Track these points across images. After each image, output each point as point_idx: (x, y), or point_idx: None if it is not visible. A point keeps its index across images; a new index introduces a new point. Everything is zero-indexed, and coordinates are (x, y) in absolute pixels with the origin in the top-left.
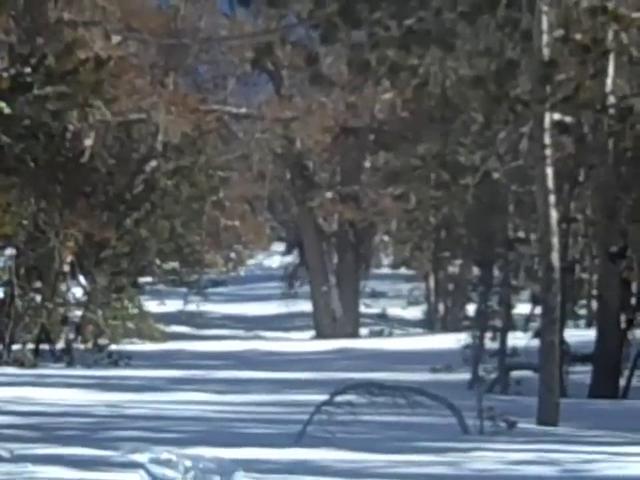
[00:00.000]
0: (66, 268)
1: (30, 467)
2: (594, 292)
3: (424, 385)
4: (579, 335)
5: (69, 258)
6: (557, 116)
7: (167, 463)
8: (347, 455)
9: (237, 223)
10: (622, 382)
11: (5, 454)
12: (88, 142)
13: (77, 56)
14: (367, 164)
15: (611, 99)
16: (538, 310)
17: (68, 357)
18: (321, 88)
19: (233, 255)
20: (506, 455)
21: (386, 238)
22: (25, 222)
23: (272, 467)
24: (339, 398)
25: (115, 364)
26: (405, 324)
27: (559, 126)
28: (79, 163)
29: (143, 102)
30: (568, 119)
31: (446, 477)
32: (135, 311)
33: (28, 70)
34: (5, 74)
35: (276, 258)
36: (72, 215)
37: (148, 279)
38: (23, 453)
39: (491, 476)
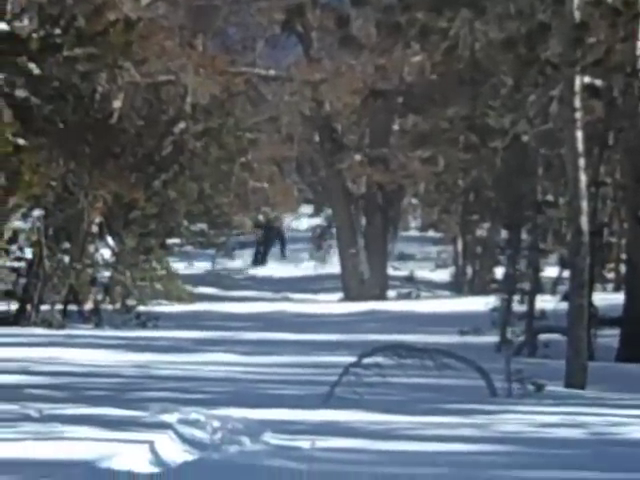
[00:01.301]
0: (94, 229)
1: (59, 427)
2: (623, 256)
3: (452, 347)
4: (607, 299)
5: (98, 219)
6: (587, 79)
7: (195, 424)
8: (375, 417)
9: (265, 185)
10: None
11: (34, 414)
12: (117, 104)
13: (107, 18)
14: (396, 127)
15: None
16: (566, 273)
17: (96, 318)
18: (350, 50)
19: (261, 217)
20: (534, 418)
21: (414, 201)
22: (54, 183)
23: (300, 428)
24: (367, 360)
25: (143, 325)
26: (433, 287)
27: (589, 89)
28: (108, 124)
29: (172, 64)
30: (598, 82)
31: (474, 439)
32: (163, 272)
33: (58, 31)
34: (35, 35)
35: (304, 220)
36: (101, 176)
37: (176, 240)
38: (52, 413)
39: (519, 438)
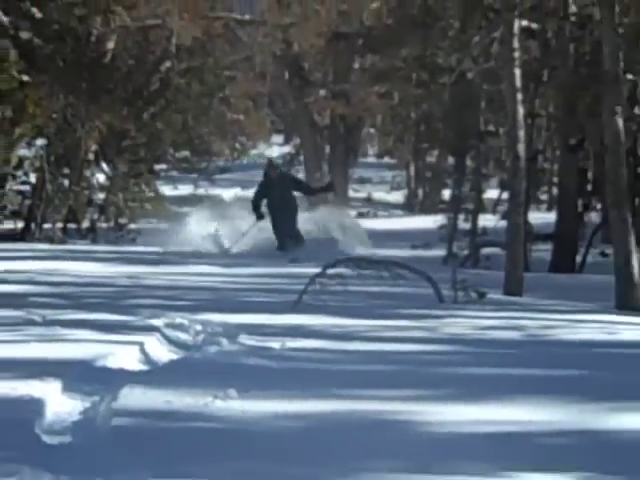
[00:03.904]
0: (91, 156)
1: (60, 330)
2: (555, 179)
3: (405, 260)
4: (541, 217)
5: (93, 147)
6: (525, 22)
7: (180, 327)
8: (337, 321)
9: (241, 117)
10: (578, 259)
11: (38, 319)
12: (110, 45)
13: None
14: (356, 65)
15: (573, 8)
16: (505, 195)
17: (92, 235)
18: None
19: (238, 145)
20: (477, 321)
21: (372, 131)
22: (55, 115)
23: (272, 331)
24: (331, 271)
25: (134, 241)
26: (388, 207)
27: (526, 32)
28: (102, 63)
29: (159, 9)
30: (534, 25)
31: (424, 340)
32: (151, 194)
33: None
34: None
35: (275, 148)
36: (96, 109)
37: (163, 166)
38: (53, 318)
39: (464, 339)
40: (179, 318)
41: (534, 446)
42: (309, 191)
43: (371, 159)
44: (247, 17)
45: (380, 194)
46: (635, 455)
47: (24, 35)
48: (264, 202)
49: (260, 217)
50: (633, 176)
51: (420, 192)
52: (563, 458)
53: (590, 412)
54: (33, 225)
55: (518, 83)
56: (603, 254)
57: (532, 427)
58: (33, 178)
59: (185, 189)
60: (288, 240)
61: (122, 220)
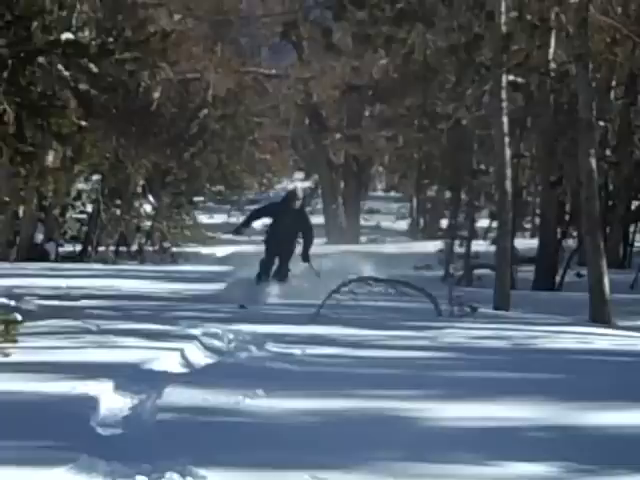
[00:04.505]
0: (139, 190)
1: (112, 337)
2: (537, 211)
3: (409, 279)
4: (525, 243)
5: (141, 182)
6: (511, 77)
7: (215, 335)
8: (350, 331)
9: (268, 156)
10: (557, 279)
11: (94, 328)
12: (156, 95)
13: (148, 30)
14: (367, 113)
15: (552, 65)
16: (494, 224)
17: (140, 257)
18: (332, 55)
19: (265, 180)
20: (470, 332)
21: (380, 169)
22: (108, 155)
23: (294, 339)
24: (345, 288)
25: (175, 262)
26: (394, 234)
27: (513, 85)
28: (149, 111)
29: (197, 65)
30: (520, 79)
31: (425, 347)
32: (190, 222)
33: (110, 40)
34: (93, 42)
35: (297, 183)
36: (143, 150)
37: (201, 198)
38: (107, 328)
39: (460, 347)
40: (214, 328)
41: (518, 439)
42: (307, 247)
43: (379, 193)
44: (273, 71)
45: (387, 223)
46: (606, 448)
47: (82, 87)
48: (265, 225)
49: (236, 232)
50: (605, 208)
51: (422, 221)
52: (543, 450)
53: (567, 410)
54: (89, 248)
55: (505, 129)
56: (579, 275)
57: (516, 422)
58: (89, 208)
59: (219, 218)
60: (271, 272)
61: (166, 244)
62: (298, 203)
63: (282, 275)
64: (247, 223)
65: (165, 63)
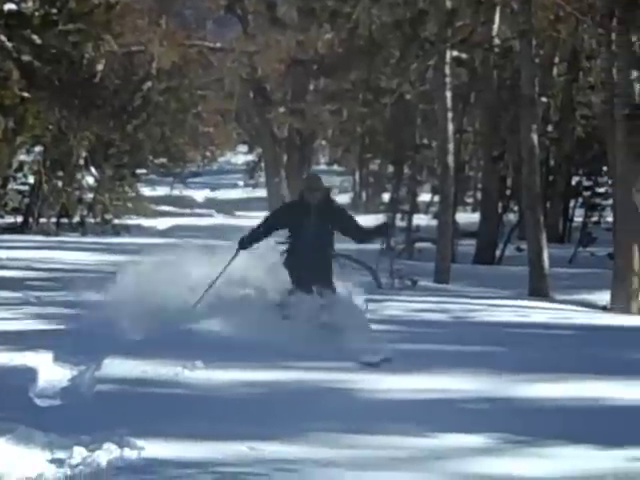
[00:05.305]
0: (81, 162)
1: (52, 309)
2: (479, 185)
3: (350, 252)
4: (467, 217)
5: (84, 154)
6: (455, 53)
7: None
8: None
9: (211, 130)
10: (497, 253)
11: (34, 300)
12: (99, 67)
13: (92, 1)
14: (311, 87)
15: (496, 41)
16: (436, 198)
17: (82, 228)
18: (277, 29)
19: (208, 153)
20: (411, 305)
21: (324, 142)
22: (51, 126)
23: None
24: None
25: (117, 234)
26: None
27: (457, 60)
28: (92, 83)
29: (142, 37)
30: (464, 55)
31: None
32: (133, 194)
33: (54, 11)
34: (37, 13)
35: (240, 156)
36: (86, 121)
37: (143, 171)
38: (48, 300)
39: (399, 320)
40: None
41: (456, 410)
42: (361, 235)
43: (322, 166)
44: (218, 45)
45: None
46: (542, 419)
47: (25, 58)
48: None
49: (241, 247)
50: (545, 183)
51: (364, 195)
52: (482, 421)
53: (505, 382)
54: (31, 220)
55: (449, 104)
56: (518, 249)
57: (455, 394)
58: (31, 179)
59: (162, 190)
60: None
61: (107, 216)
62: (319, 195)
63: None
64: (255, 239)
65: (109, 35)
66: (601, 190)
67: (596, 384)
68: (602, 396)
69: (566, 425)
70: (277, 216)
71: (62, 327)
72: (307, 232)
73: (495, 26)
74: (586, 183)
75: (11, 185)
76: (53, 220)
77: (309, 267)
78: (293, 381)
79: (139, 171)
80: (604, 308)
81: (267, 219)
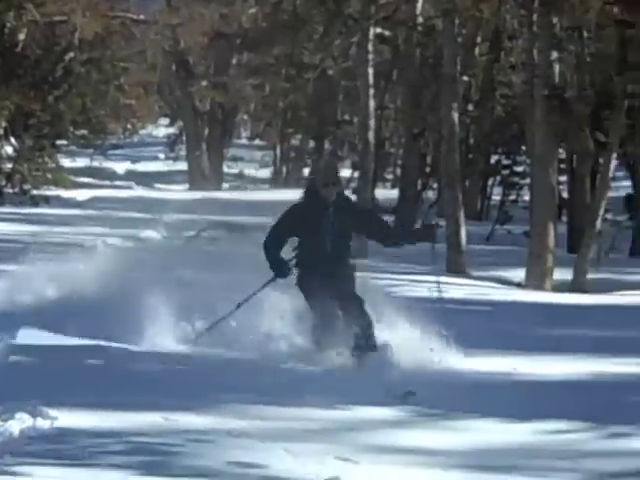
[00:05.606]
0: (0, 131)
1: None
2: (399, 162)
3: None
4: (386, 193)
5: (3, 124)
6: (379, 30)
7: None
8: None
9: (133, 102)
10: None
11: None
12: (21, 36)
13: None
14: (234, 61)
15: (420, 19)
16: (356, 174)
17: (0, 198)
18: (201, 2)
19: (129, 126)
20: None
21: (246, 117)
22: None
23: None
24: (204, 233)
25: (36, 204)
26: (257, 182)
27: (380, 38)
28: (13, 52)
29: (64, 7)
30: (387, 33)
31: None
32: (53, 165)
33: None
34: None
35: (162, 129)
36: (7, 91)
37: (64, 142)
38: None
39: None
40: None
41: (369, 382)
42: (394, 237)
43: (244, 140)
44: (141, 17)
45: (250, 171)
46: (454, 392)
47: None
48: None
49: (282, 274)
50: (464, 162)
51: (285, 169)
52: (393, 394)
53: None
54: None
55: (371, 80)
56: (437, 225)
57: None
58: None
59: (82, 162)
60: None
61: (26, 187)
62: (330, 191)
63: (368, 336)
64: (278, 262)
65: (31, 4)
66: (519, 169)
67: (507, 359)
68: (512, 371)
69: (476, 399)
70: (287, 223)
71: None
72: (324, 240)
73: (419, 4)
74: (505, 162)
75: None
76: None
77: (330, 286)
78: (210, 354)
79: (59, 142)
80: (519, 285)
81: (275, 230)
